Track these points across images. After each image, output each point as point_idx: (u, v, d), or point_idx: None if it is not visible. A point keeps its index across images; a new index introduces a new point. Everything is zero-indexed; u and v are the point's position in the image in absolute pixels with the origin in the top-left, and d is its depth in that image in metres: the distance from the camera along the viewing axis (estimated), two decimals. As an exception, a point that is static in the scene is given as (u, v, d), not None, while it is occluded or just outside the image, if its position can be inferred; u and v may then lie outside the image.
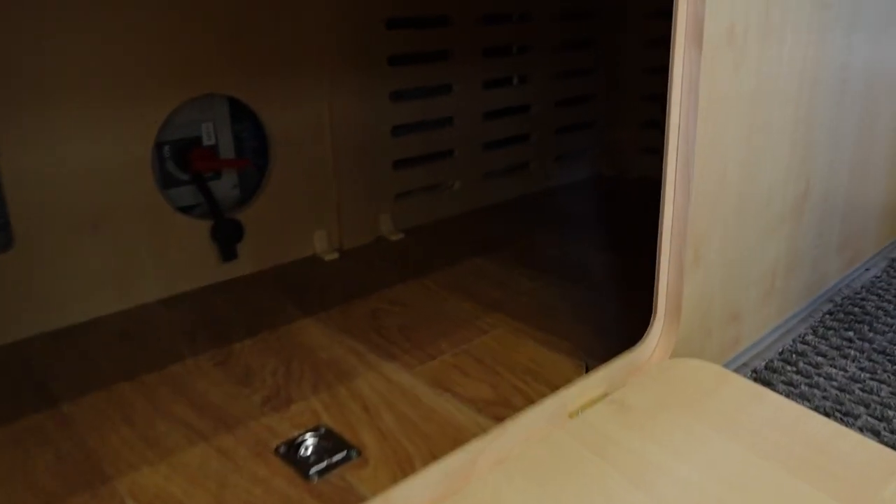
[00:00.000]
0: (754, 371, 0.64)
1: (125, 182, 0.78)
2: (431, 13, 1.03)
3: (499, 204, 1.18)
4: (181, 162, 0.87)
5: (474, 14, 1.07)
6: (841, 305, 0.78)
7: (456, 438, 0.55)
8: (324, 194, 0.95)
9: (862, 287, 0.83)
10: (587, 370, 0.65)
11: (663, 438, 0.49)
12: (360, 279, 0.87)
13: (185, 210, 0.87)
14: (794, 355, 0.67)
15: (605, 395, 0.55)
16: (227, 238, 0.87)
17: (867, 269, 0.89)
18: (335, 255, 0.95)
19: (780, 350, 0.68)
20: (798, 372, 0.64)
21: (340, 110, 0.94)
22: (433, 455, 0.53)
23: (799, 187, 0.70)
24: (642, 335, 0.71)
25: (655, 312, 0.59)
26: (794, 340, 0.70)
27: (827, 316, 0.75)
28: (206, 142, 0.89)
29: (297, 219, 0.93)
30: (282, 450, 0.54)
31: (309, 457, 0.53)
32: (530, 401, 0.60)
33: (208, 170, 0.89)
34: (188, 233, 0.85)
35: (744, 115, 0.59)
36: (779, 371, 0.64)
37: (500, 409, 0.59)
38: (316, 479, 0.51)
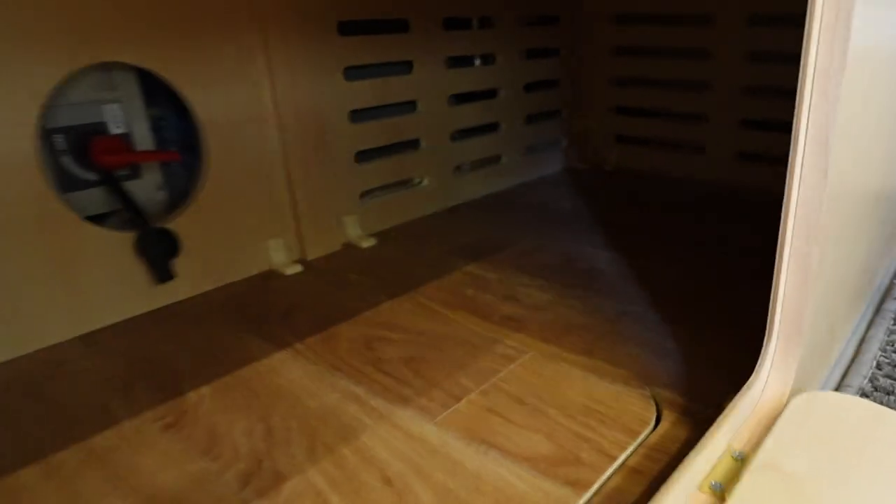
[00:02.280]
0: (863, 393, 0.52)
1: (4, 185, 0.58)
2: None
3: (472, 202, 1.02)
4: (80, 156, 0.67)
5: (442, -20, 0.91)
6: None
7: (527, 520, 0.40)
8: (275, 194, 0.77)
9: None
10: (658, 406, 0.51)
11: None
12: (335, 297, 0.70)
13: (96, 220, 0.67)
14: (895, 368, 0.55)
15: (731, 451, 0.41)
16: (159, 253, 0.68)
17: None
18: (298, 269, 0.77)
19: (876, 363, 0.56)
20: (905, 389, 0.52)
21: (285, 88, 0.76)
22: (503, 549, 0.38)
23: (882, 180, 0.59)
24: (705, 352, 0.57)
25: (770, 333, 0.45)
26: (882, 349, 0.58)
27: None
28: (114, 129, 0.69)
29: (244, 225, 0.75)
30: (284, 560, 0.37)
31: (327, 569, 0.37)
32: (605, 454, 0.45)
33: (119, 165, 0.69)
34: (105, 249, 0.65)
35: (861, 103, 0.46)
36: (891, 391, 0.52)
37: (569, 470, 0.44)
38: None
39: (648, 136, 1.17)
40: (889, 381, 0.53)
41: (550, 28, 1.14)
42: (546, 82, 1.17)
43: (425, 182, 0.96)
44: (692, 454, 0.39)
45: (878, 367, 0.55)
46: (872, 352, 0.57)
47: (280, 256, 0.78)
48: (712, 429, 0.41)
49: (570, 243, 0.85)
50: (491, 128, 1.07)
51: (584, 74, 1.20)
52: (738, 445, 0.41)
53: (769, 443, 0.40)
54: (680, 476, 0.37)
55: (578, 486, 0.43)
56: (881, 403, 0.50)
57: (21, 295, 0.60)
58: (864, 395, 0.52)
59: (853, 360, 0.57)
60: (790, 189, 0.42)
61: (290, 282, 0.75)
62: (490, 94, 1.06)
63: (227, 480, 0.44)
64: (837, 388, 0.53)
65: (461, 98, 1.02)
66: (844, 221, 0.50)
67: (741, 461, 0.40)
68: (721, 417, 0.42)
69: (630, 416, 0.49)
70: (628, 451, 0.46)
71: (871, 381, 0.53)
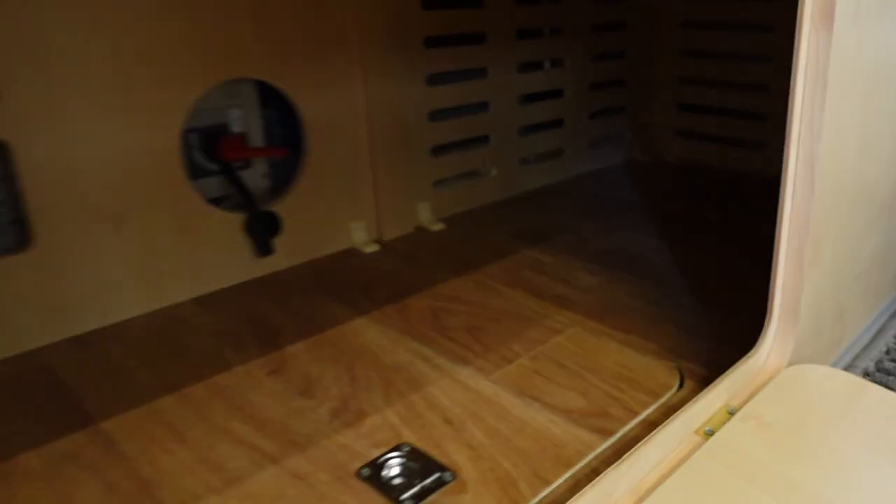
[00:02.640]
0: (866, 372, 0.59)
1: (150, 173, 0.71)
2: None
3: (535, 191, 1.11)
4: (209, 151, 0.80)
5: (513, -11, 1.00)
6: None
7: (558, 455, 0.49)
8: (360, 183, 0.88)
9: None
10: (682, 375, 0.59)
11: (813, 460, 0.44)
12: (408, 274, 0.80)
13: (214, 202, 0.79)
14: (901, 354, 0.61)
15: (729, 407, 0.49)
16: (263, 231, 0.80)
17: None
18: (375, 248, 0.88)
19: (886, 349, 0.62)
20: (910, 372, 0.58)
21: (377, 94, 0.87)
22: (537, 476, 0.47)
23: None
24: (728, 332, 0.65)
25: (770, 314, 0.53)
26: (895, 337, 0.64)
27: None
28: (235, 129, 0.82)
29: (333, 209, 0.86)
30: (365, 472, 0.48)
31: (397, 480, 0.47)
32: (631, 411, 0.54)
33: (239, 158, 0.81)
34: (220, 226, 0.77)
35: (862, 100, 0.53)
36: (893, 373, 0.59)
37: (598, 421, 0.53)
38: (410, 506, 0.45)
39: (709, 132, 1.22)
40: (893, 364, 0.59)
41: (618, 33, 1.21)
42: (611, 81, 1.24)
43: (493, 172, 1.05)
44: (692, 405, 0.47)
45: (888, 352, 0.62)
46: (885, 339, 0.64)
47: (361, 236, 0.89)
48: (711, 387, 0.49)
49: (624, 231, 0.93)
50: (556, 123, 1.15)
51: (650, 74, 1.26)
52: (734, 403, 0.49)
53: (756, 399, 0.48)
54: (679, 421, 0.46)
55: (604, 433, 0.52)
56: (880, 382, 0.57)
57: (156, 260, 0.73)
58: (866, 374, 0.58)
59: (867, 346, 0.64)
60: (784, 188, 0.49)
61: (368, 259, 0.86)
62: (557, 93, 1.14)
63: (320, 414, 0.55)
64: (846, 369, 0.60)
65: (529, 97, 1.10)
66: (849, 218, 0.57)
67: (732, 415, 0.48)
68: (720, 379, 0.50)
69: (655, 382, 0.58)
70: (650, 409, 0.55)
71: (877, 363, 0.60)
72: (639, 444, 0.44)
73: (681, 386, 0.58)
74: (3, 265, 0.64)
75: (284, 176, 0.84)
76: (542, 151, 1.14)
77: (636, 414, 0.54)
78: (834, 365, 0.60)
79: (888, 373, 0.58)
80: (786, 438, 0.45)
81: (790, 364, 0.52)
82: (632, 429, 0.52)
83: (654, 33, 1.23)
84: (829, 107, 0.48)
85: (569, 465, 0.48)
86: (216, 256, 0.77)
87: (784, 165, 0.50)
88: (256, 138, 0.84)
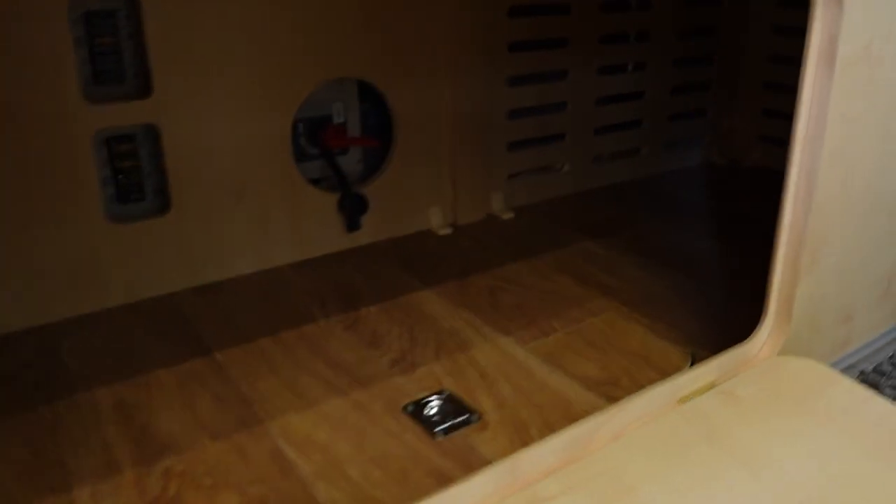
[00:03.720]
0: (862, 373, 0.65)
1: (267, 156, 0.86)
2: (553, 1, 1.05)
3: (607, 187, 1.20)
4: (313, 138, 0.94)
5: (595, 1, 1.08)
6: (960, 312, 0.77)
7: (567, 411, 0.60)
8: (440, 172, 1.01)
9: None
10: (694, 360, 0.68)
11: (771, 431, 0.52)
12: (474, 255, 0.92)
13: (314, 182, 0.94)
14: (906, 360, 0.67)
15: (714, 385, 0.58)
16: (353, 210, 0.94)
17: None
18: (448, 231, 1.01)
19: (891, 354, 0.68)
20: (910, 376, 0.65)
21: (461, 94, 0.98)
22: (547, 424, 0.58)
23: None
24: (751, 330, 0.73)
25: (766, 310, 0.61)
26: (906, 345, 0.70)
27: (944, 322, 0.75)
28: (336, 120, 0.95)
29: (414, 194, 0.99)
30: (410, 408, 0.60)
31: (434, 417, 0.59)
32: (638, 384, 0.64)
33: (339, 146, 0.95)
34: (318, 204, 0.92)
35: (879, 123, 0.60)
36: (887, 375, 0.65)
37: (609, 389, 0.63)
38: (441, 437, 0.57)
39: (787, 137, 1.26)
40: (891, 367, 0.66)
41: (706, 37, 1.27)
42: (694, 84, 1.29)
43: (566, 168, 1.15)
44: (680, 376, 0.57)
45: (892, 357, 0.68)
46: (894, 346, 0.70)
47: (437, 220, 1.01)
48: (703, 364, 0.58)
49: (684, 231, 1.00)
50: (634, 124, 1.23)
51: (736, 78, 1.30)
52: (719, 381, 0.58)
53: (736, 379, 0.57)
54: (665, 387, 0.55)
55: (611, 399, 0.62)
56: (869, 382, 0.64)
57: (266, 229, 0.88)
58: (862, 373, 0.65)
59: (878, 350, 0.70)
60: (785, 196, 0.57)
61: (442, 240, 0.98)
62: (637, 95, 1.21)
63: (382, 362, 0.68)
64: (847, 368, 0.66)
65: (609, 98, 1.18)
66: (862, 228, 0.64)
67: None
68: (713, 358, 0.59)
69: (667, 363, 0.67)
70: (655, 385, 0.64)
71: (876, 365, 0.66)
72: (624, 398, 0.54)
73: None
74: (148, 225, 0.81)
75: (375, 162, 0.98)
76: (618, 150, 1.22)
77: (641, 387, 0.63)
78: (836, 364, 0.67)
79: (882, 373, 0.65)
80: (750, 411, 0.54)
81: (781, 354, 0.60)
82: (633, 397, 0.62)
83: (743, 37, 1.28)
84: (830, 134, 0.56)
85: (574, 420, 0.58)
86: (313, 229, 0.92)
87: (785, 180, 0.58)
88: (354, 129, 0.97)
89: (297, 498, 0.51)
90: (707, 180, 1.25)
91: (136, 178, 0.82)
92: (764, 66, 1.27)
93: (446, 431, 0.58)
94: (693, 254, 0.92)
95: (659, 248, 0.94)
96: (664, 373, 0.65)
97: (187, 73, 0.78)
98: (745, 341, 0.62)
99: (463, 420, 0.59)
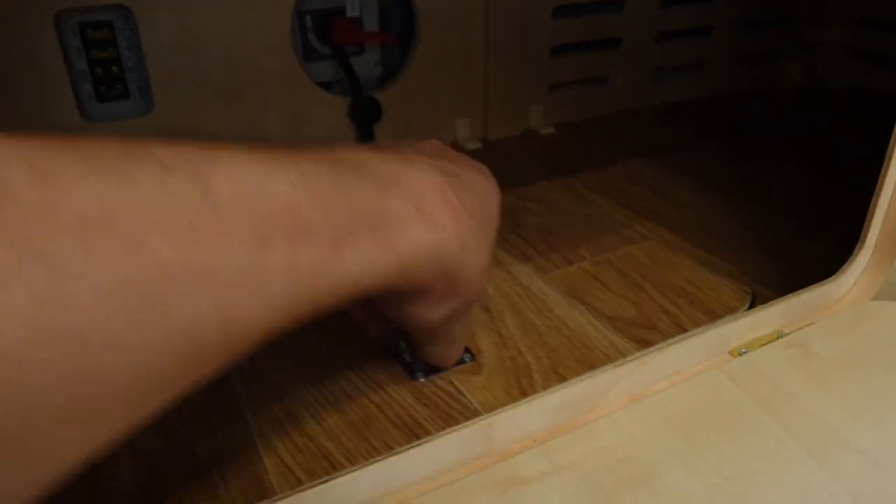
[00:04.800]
0: (978, 325, 0.51)
1: (265, 53, 0.74)
2: None
3: (666, 105, 1.04)
4: (322, 33, 0.82)
5: None
6: None
7: (584, 357, 0.48)
8: (470, 79, 0.87)
9: None
10: (754, 302, 0.54)
11: (850, 399, 0.39)
12: (500, 173, 0.79)
13: (324, 86, 0.82)
14: None
15: (780, 335, 0.45)
16: (366, 117, 0.82)
17: None
18: (478, 145, 0.88)
19: None
20: None
21: (498, -15, 0.84)
22: (556, 371, 0.47)
23: None
24: (829, 269, 0.58)
25: (863, 242, 0.47)
26: None
27: None
28: (350, 13, 0.83)
29: (439, 103, 0.86)
30: (392, 344, 0.50)
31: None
32: (680, 327, 0.51)
33: (349, 42, 0.83)
34: (326, 109, 0.80)
35: None
36: None
37: (641, 331, 0.51)
38: (422, 378, 0.46)
39: (887, 53, 1.06)
40: None
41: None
42: (777, -12, 1.10)
43: (619, 80, 0.99)
44: (734, 320, 0.44)
45: None
46: None
47: (465, 133, 0.89)
48: (766, 307, 0.45)
49: (749, 155, 0.85)
50: (702, 31, 1.05)
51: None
52: (788, 329, 0.45)
53: (812, 328, 0.44)
54: (713, 334, 0.43)
55: (642, 343, 0.49)
56: None
57: (266, 138, 0.77)
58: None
59: None
60: None
61: (468, 155, 0.85)
62: (708, -4, 1.04)
63: (370, 287, 0.57)
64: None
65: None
66: None
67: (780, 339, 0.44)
68: (780, 300, 0.46)
69: (719, 304, 0.54)
70: (702, 329, 0.51)
71: None
72: (656, 346, 0.42)
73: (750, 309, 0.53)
74: (131, 126, 0.71)
75: (396, 67, 0.85)
76: (681, 63, 1.05)
77: (684, 331, 0.51)
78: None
79: None
80: (826, 372, 0.41)
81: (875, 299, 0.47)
82: (671, 343, 0.50)
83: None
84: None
85: (590, 367, 0.47)
86: (319, 138, 0.81)
87: None
88: (372, 25, 0.85)
89: (237, 445, 0.41)
90: (785, 103, 1.07)
91: (116, 72, 0.72)
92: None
93: (428, 373, 0.47)
94: (758, 180, 0.77)
95: (719, 172, 0.79)
96: (714, 314, 0.53)
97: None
98: (827, 280, 0.48)
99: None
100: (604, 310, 0.54)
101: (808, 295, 0.48)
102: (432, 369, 0.47)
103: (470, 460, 0.38)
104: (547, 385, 0.45)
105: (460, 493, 0.36)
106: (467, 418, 0.40)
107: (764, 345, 0.45)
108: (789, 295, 0.48)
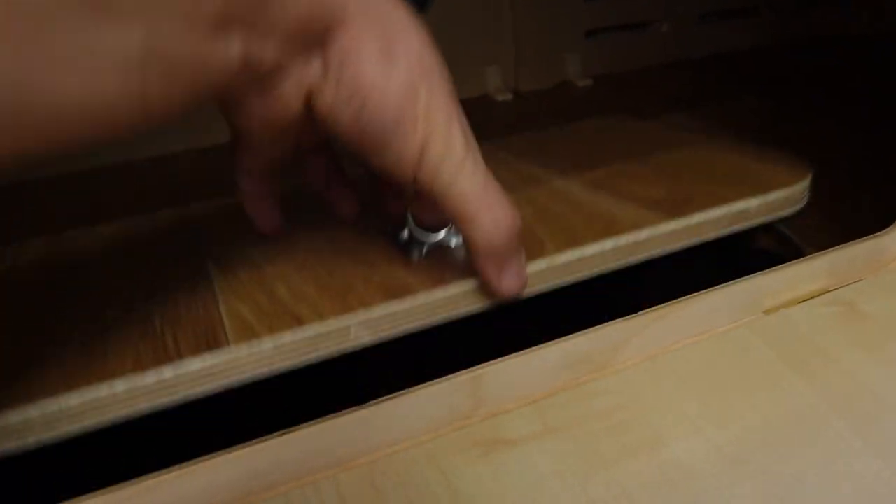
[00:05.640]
0: None
1: None
2: None
3: (716, 55, 0.96)
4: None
5: None
6: None
7: (605, 228, 0.41)
8: (500, 23, 0.83)
9: None
10: (809, 192, 0.46)
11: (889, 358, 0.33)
12: (525, 121, 0.75)
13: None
14: None
15: (824, 291, 0.39)
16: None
17: None
18: (509, 97, 0.83)
19: None
20: None
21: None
22: (569, 244, 0.40)
23: None
24: (882, 224, 0.50)
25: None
26: None
27: None
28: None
29: (466, 50, 0.82)
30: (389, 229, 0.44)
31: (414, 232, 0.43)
32: (721, 198, 0.44)
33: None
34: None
35: None
36: None
37: (672, 205, 0.44)
38: (417, 257, 0.41)
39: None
40: None
41: None
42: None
43: (664, 28, 0.93)
44: (772, 273, 0.38)
45: None
46: None
47: (495, 82, 0.84)
48: (807, 261, 0.39)
49: (806, 110, 0.75)
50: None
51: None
52: (832, 284, 0.38)
53: (861, 283, 0.38)
54: (746, 287, 0.37)
55: (671, 214, 0.42)
56: None
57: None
58: None
59: None
60: None
61: (497, 106, 0.81)
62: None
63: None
64: None
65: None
66: None
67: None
68: (822, 254, 0.39)
69: (772, 183, 0.46)
70: (750, 202, 0.44)
71: None
72: (671, 302, 0.36)
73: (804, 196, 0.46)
74: None
75: (419, 6, 0.82)
76: (733, 7, 0.98)
77: (727, 202, 0.43)
78: None
79: None
80: (875, 334, 0.35)
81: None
82: (713, 218, 0.42)
83: None
84: None
85: (612, 235, 0.40)
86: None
87: None
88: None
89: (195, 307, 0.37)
90: (846, 53, 0.97)
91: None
92: None
93: (425, 250, 0.41)
94: (813, 136, 0.68)
95: (769, 126, 0.71)
96: (764, 190, 0.45)
97: None
98: (880, 233, 0.41)
99: (452, 235, 0.42)
100: (630, 194, 0.46)
101: (857, 248, 0.40)
102: (430, 247, 0.41)
103: (452, 419, 0.32)
104: (559, 251, 0.39)
105: (435, 452, 0.31)
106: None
107: (803, 301, 0.38)
108: (833, 249, 0.41)
